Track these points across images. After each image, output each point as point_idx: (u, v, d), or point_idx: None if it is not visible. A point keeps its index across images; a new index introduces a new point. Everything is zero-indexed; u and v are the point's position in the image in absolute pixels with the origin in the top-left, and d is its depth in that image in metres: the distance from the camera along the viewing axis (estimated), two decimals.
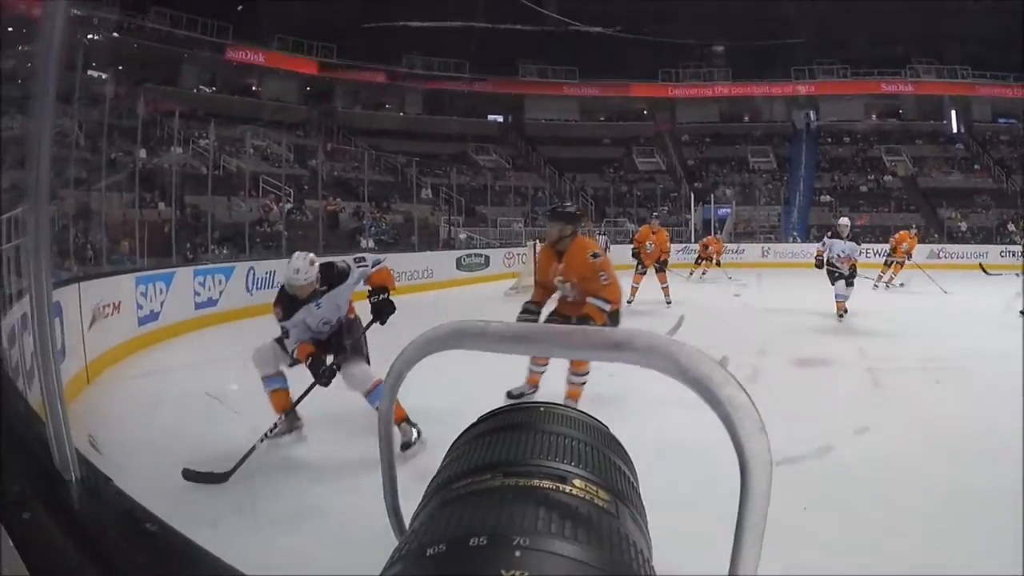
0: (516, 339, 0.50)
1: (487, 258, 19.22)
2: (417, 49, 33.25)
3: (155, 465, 3.82)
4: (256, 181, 20.45)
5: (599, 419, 0.52)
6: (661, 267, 12.75)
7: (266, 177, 21.28)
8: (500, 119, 38.21)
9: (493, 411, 0.52)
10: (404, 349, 0.56)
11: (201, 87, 29.98)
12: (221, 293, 10.27)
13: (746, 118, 39.05)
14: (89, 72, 18.44)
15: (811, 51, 35.27)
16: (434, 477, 0.47)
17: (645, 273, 12.65)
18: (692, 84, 38.13)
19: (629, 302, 11.48)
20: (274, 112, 29.84)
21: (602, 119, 38.91)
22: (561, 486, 0.42)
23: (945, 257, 24.11)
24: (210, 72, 30.68)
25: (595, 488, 0.43)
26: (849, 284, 10.24)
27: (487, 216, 26.92)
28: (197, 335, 9.02)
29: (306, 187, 22.55)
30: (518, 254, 19.36)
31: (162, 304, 8.72)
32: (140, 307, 8.25)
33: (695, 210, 29.85)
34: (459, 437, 0.51)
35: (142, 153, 17.71)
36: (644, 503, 0.47)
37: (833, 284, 10.41)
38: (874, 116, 38.28)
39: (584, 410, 0.52)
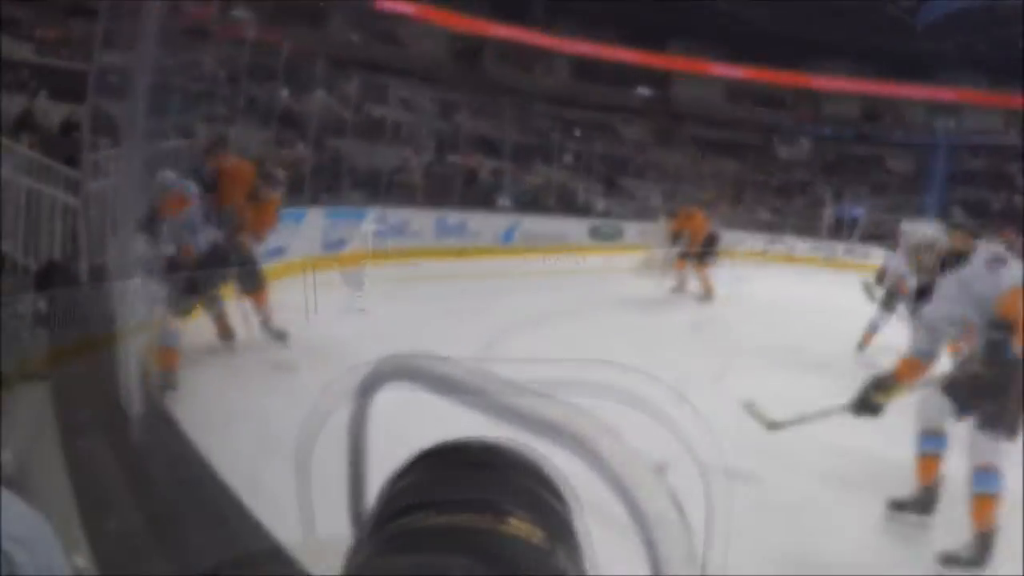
0: (455, 385, 0.51)
1: (621, 229, 19.12)
2: (569, 14, 32.68)
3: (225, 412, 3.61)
4: (397, 130, 20.34)
5: (534, 454, 0.50)
6: (699, 258, 11.42)
7: (407, 127, 21.66)
8: (647, 92, 36.64)
9: (428, 449, 0.51)
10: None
11: (348, 34, 30.24)
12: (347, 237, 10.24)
13: (886, 119, 37.48)
14: (233, 12, 18.72)
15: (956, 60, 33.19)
16: (371, 515, 0.47)
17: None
18: (838, 77, 36.42)
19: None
20: (420, 64, 29.77)
21: (745, 103, 37.02)
22: (496, 525, 0.42)
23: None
24: (357, 19, 30.84)
25: (530, 527, 0.42)
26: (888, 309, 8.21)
27: (626, 188, 26.67)
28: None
29: (447, 142, 22.83)
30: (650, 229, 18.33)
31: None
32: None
33: (830, 207, 28.62)
34: (395, 474, 0.50)
35: (284, 93, 18.00)
36: (582, 537, 0.46)
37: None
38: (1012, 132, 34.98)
39: (520, 445, 0.50)
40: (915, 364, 3.93)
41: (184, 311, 5.45)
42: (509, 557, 0.40)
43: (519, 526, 0.42)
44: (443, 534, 0.41)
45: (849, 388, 4.03)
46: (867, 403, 3.91)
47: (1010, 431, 3.51)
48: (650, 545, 0.40)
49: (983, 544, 3.38)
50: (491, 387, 0.50)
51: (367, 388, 0.53)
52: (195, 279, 5.75)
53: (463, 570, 0.38)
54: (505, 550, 0.40)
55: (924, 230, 5.37)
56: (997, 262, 3.79)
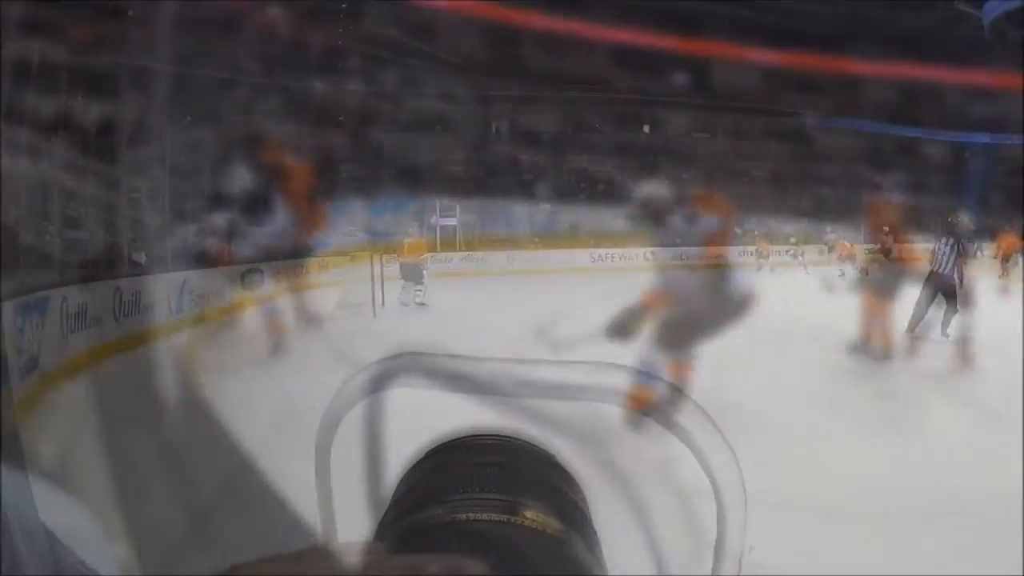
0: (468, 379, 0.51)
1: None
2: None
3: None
4: (433, 122, 20.23)
5: (547, 447, 0.50)
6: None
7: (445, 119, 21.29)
8: (685, 79, 36.71)
9: (438, 444, 0.51)
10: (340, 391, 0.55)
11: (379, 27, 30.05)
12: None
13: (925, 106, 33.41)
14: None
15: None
16: (384, 513, 0.46)
17: None
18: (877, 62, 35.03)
19: None
20: (454, 55, 29.56)
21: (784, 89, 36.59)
22: (511, 518, 0.41)
23: None
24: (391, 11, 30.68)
25: (545, 518, 0.42)
26: (951, 309, 8.30)
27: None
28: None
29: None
30: None
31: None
32: None
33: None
34: (406, 471, 0.50)
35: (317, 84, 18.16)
36: (597, 528, 0.46)
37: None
38: None
39: (532, 438, 0.50)
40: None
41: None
42: (526, 550, 0.39)
43: (535, 518, 0.41)
44: (459, 528, 0.40)
45: None
46: (620, 328, 5.59)
47: None
48: (652, 545, 0.41)
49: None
50: (503, 384, 0.48)
51: (378, 384, 0.52)
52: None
53: (480, 565, 0.36)
54: (522, 543, 0.39)
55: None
56: None
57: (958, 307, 8.20)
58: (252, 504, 3.60)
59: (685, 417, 0.42)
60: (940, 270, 8.39)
